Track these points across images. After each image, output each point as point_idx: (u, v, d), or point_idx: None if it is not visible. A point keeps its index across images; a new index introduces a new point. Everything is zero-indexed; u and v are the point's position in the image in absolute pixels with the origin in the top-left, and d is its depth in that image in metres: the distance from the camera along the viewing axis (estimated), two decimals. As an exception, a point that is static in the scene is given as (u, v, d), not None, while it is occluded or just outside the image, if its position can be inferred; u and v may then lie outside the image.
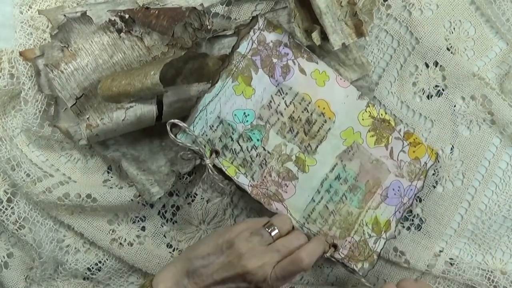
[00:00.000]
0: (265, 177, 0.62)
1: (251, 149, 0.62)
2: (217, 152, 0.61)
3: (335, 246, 0.63)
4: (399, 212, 0.64)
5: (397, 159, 0.64)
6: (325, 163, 0.63)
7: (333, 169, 0.63)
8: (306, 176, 0.63)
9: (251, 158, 0.62)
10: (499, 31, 0.65)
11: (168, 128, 0.58)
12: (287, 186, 0.63)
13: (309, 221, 0.63)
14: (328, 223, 0.63)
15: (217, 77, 0.60)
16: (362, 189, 0.64)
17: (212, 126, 0.60)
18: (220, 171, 0.61)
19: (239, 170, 0.61)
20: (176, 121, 0.58)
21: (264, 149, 0.62)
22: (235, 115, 0.61)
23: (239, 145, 0.61)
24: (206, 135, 0.60)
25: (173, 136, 0.58)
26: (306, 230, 0.62)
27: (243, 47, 0.61)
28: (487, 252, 0.67)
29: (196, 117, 0.60)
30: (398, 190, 0.64)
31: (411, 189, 0.64)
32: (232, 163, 0.61)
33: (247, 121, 0.62)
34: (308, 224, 0.63)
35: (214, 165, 0.60)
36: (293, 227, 0.60)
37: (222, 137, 0.61)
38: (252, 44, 0.61)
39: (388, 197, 0.64)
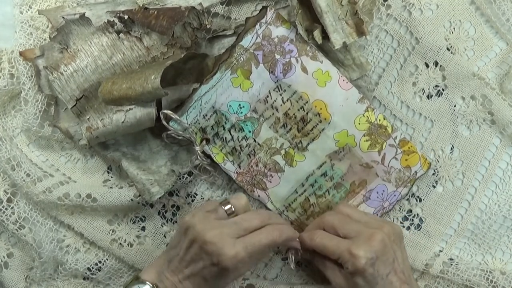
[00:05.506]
0: (251, 166, 0.63)
1: (242, 139, 0.63)
2: (207, 140, 0.62)
3: None
4: (377, 215, 0.64)
5: (388, 165, 0.64)
6: (314, 160, 0.63)
7: (321, 166, 0.64)
8: (293, 170, 0.63)
9: (241, 148, 0.63)
10: (499, 31, 0.65)
11: (162, 117, 0.59)
12: (272, 177, 0.64)
13: (289, 210, 0.64)
14: (307, 213, 0.64)
15: (216, 68, 0.61)
16: (347, 187, 0.64)
17: (206, 115, 0.62)
18: (209, 156, 0.63)
19: (227, 157, 0.63)
20: (168, 112, 0.59)
21: (255, 141, 0.63)
22: (230, 106, 0.62)
23: (231, 134, 0.62)
24: (199, 124, 0.62)
25: (165, 122, 0.59)
26: (284, 217, 0.64)
27: (247, 41, 0.61)
28: (487, 252, 0.67)
29: (190, 107, 0.61)
30: (382, 194, 0.64)
31: (395, 195, 0.64)
32: (221, 150, 0.63)
33: (241, 112, 0.62)
34: (287, 212, 0.64)
35: (203, 151, 0.62)
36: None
37: (214, 126, 0.62)
38: (257, 38, 0.61)
39: (370, 199, 0.64)
